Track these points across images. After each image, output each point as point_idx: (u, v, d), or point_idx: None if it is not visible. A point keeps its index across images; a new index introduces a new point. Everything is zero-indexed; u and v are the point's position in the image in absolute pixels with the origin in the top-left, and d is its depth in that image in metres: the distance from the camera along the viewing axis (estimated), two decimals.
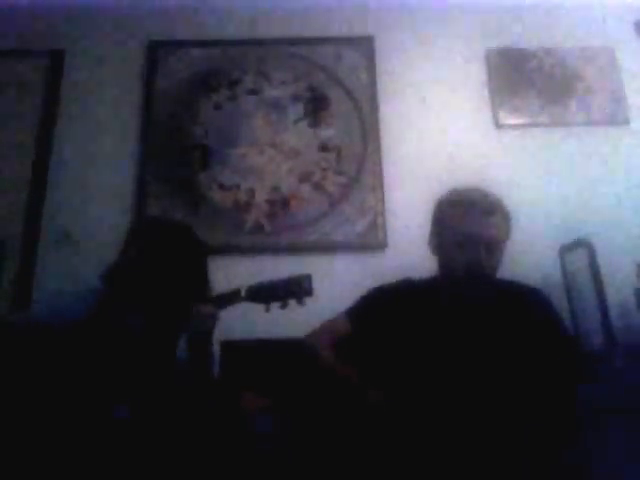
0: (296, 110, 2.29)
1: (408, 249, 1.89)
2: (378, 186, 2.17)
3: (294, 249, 2.10)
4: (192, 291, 1.39)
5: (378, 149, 2.22)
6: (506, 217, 1.44)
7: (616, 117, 2.30)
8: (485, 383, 1.31)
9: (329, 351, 1.45)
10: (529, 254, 1.99)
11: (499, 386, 1.31)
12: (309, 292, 1.36)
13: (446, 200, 1.48)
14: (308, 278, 1.37)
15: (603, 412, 1.41)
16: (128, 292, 1.37)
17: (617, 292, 1.89)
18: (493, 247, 1.40)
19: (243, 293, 1.36)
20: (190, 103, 2.29)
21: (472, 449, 1.25)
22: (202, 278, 1.44)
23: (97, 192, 2.18)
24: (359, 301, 1.53)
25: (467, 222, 1.39)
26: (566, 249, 1.97)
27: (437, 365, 1.35)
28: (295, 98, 2.30)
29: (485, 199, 1.43)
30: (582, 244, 1.88)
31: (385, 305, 1.48)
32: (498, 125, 2.29)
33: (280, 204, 2.16)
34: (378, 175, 2.18)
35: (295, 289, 1.36)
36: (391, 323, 1.44)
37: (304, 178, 2.19)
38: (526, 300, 1.47)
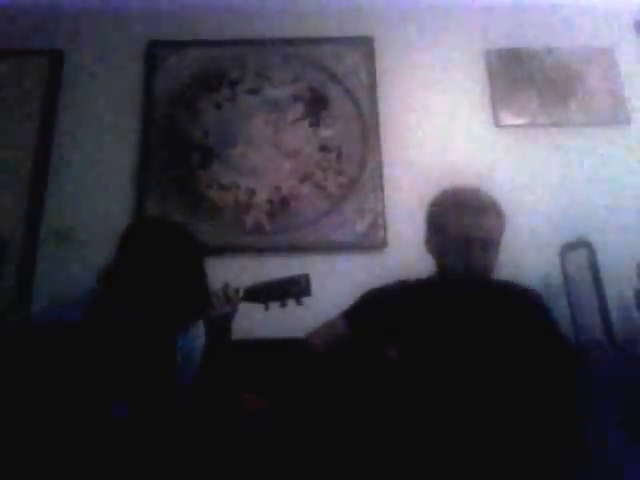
0: (296, 110, 2.28)
1: (408, 249, 1.88)
2: (378, 186, 2.17)
3: (294, 249, 2.10)
4: (190, 289, 1.39)
5: (378, 149, 2.22)
6: (500, 215, 1.44)
7: (616, 117, 2.30)
8: (482, 382, 1.31)
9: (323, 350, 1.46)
10: (529, 254, 2.00)
11: (496, 385, 1.31)
12: (307, 292, 1.36)
13: (440, 200, 1.49)
14: (306, 278, 1.37)
15: (603, 412, 1.41)
16: (124, 292, 1.37)
17: (617, 292, 1.89)
18: (488, 246, 1.40)
19: (241, 293, 1.36)
20: (190, 103, 2.29)
21: (471, 449, 1.25)
22: (199, 278, 1.44)
23: (97, 192, 2.18)
24: (356, 302, 1.53)
25: (462, 222, 1.39)
26: (566, 249, 1.97)
27: (434, 364, 1.35)
28: (295, 98, 2.30)
29: (479, 198, 1.43)
30: (582, 244, 1.88)
31: (382, 306, 1.48)
32: (498, 125, 2.29)
33: (280, 204, 2.16)
34: (378, 175, 2.18)
35: (293, 289, 1.36)
36: (388, 324, 1.44)
37: (304, 178, 2.19)
38: (521, 300, 1.48)
